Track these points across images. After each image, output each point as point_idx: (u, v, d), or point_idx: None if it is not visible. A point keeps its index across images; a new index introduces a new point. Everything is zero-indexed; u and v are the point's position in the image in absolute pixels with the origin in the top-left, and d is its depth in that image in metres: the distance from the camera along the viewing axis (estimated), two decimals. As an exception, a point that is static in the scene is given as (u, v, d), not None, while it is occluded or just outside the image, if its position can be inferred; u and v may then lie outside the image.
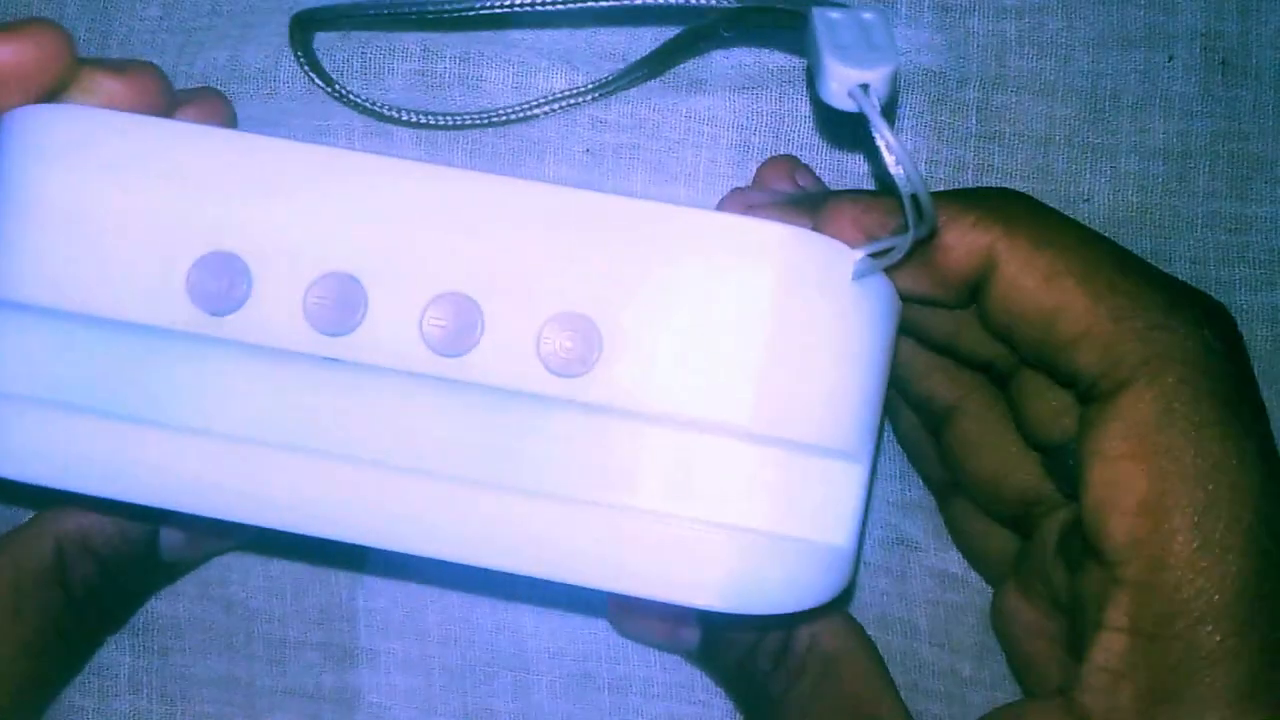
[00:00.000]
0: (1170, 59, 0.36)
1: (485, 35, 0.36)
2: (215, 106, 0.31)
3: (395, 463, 0.25)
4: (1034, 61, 0.35)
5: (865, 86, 0.24)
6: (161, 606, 0.36)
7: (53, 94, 0.27)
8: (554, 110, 0.35)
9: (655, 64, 0.35)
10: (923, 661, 0.35)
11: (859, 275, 0.25)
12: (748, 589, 0.25)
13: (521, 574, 0.25)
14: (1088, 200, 0.35)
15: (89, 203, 0.25)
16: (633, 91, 0.35)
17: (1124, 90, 0.35)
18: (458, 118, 0.35)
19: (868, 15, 0.25)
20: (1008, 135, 0.35)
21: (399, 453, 0.25)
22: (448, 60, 0.36)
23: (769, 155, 0.35)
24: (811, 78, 0.25)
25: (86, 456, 0.25)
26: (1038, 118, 0.35)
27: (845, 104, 0.24)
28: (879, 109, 0.24)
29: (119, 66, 0.28)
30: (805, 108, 0.35)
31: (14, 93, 0.26)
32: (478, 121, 0.35)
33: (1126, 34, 0.35)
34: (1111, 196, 0.35)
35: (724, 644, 0.32)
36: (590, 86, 0.35)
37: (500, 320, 0.25)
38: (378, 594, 0.36)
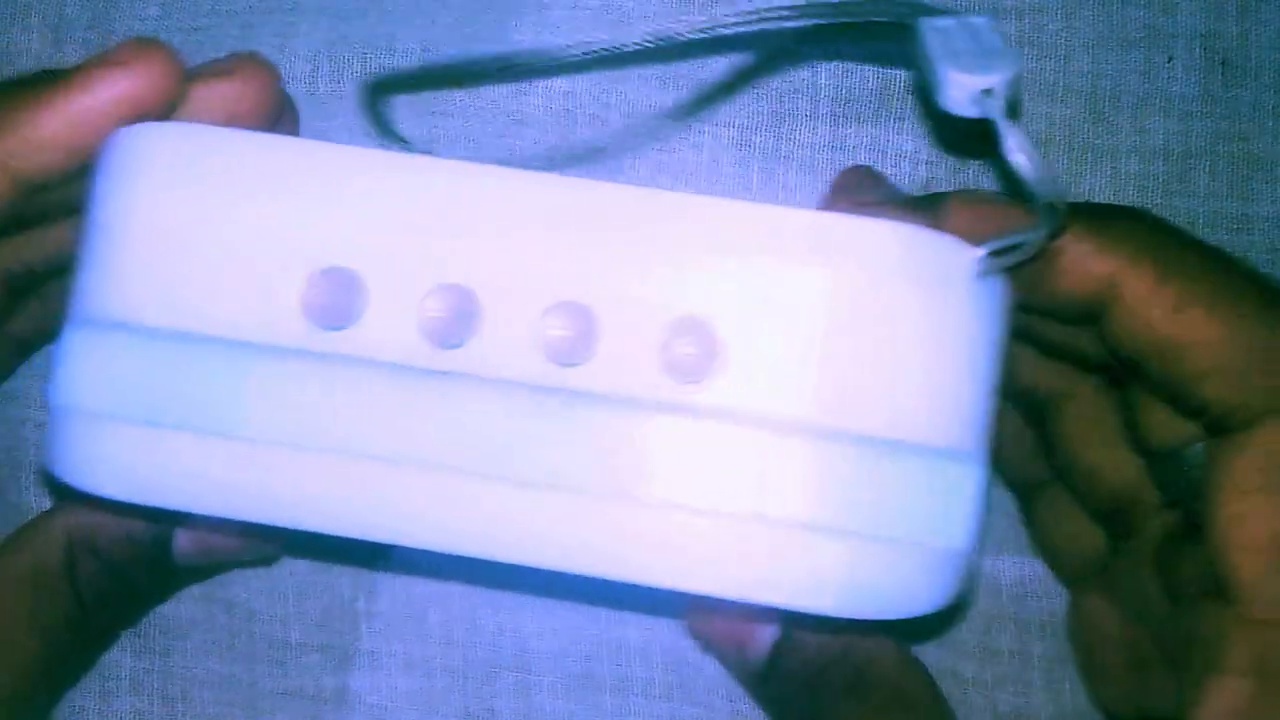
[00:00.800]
0: (1170, 60, 0.36)
1: (485, 35, 0.36)
2: (262, 79, 0.30)
3: (515, 476, 0.25)
4: (1034, 62, 0.36)
5: (989, 91, 0.24)
6: (164, 607, 0.36)
7: (164, 115, 0.27)
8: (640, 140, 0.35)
9: (734, 85, 0.35)
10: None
11: (980, 273, 0.25)
12: (867, 593, 0.25)
13: (641, 584, 0.25)
14: (1089, 200, 0.35)
15: (197, 221, 0.25)
16: (633, 92, 0.36)
17: (1124, 91, 0.36)
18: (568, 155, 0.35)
19: (976, 20, 0.25)
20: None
21: (519, 467, 0.25)
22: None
23: (771, 155, 0.35)
24: (923, 89, 0.25)
25: (198, 476, 0.25)
26: (1037, 118, 0.36)
27: (970, 111, 0.24)
28: (1004, 112, 0.24)
29: (226, 70, 0.28)
30: (806, 107, 0.35)
31: (119, 120, 0.26)
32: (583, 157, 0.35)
33: (1126, 35, 0.36)
34: (1112, 196, 0.35)
35: (796, 663, 0.31)
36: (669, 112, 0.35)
37: (618, 328, 0.25)
38: (380, 595, 0.36)
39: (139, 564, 0.32)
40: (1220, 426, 0.25)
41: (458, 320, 0.25)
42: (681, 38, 0.27)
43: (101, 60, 0.27)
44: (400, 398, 0.25)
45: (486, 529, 0.25)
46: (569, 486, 0.24)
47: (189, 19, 0.36)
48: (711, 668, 0.35)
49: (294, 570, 0.36)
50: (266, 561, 0.36)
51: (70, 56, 0.36)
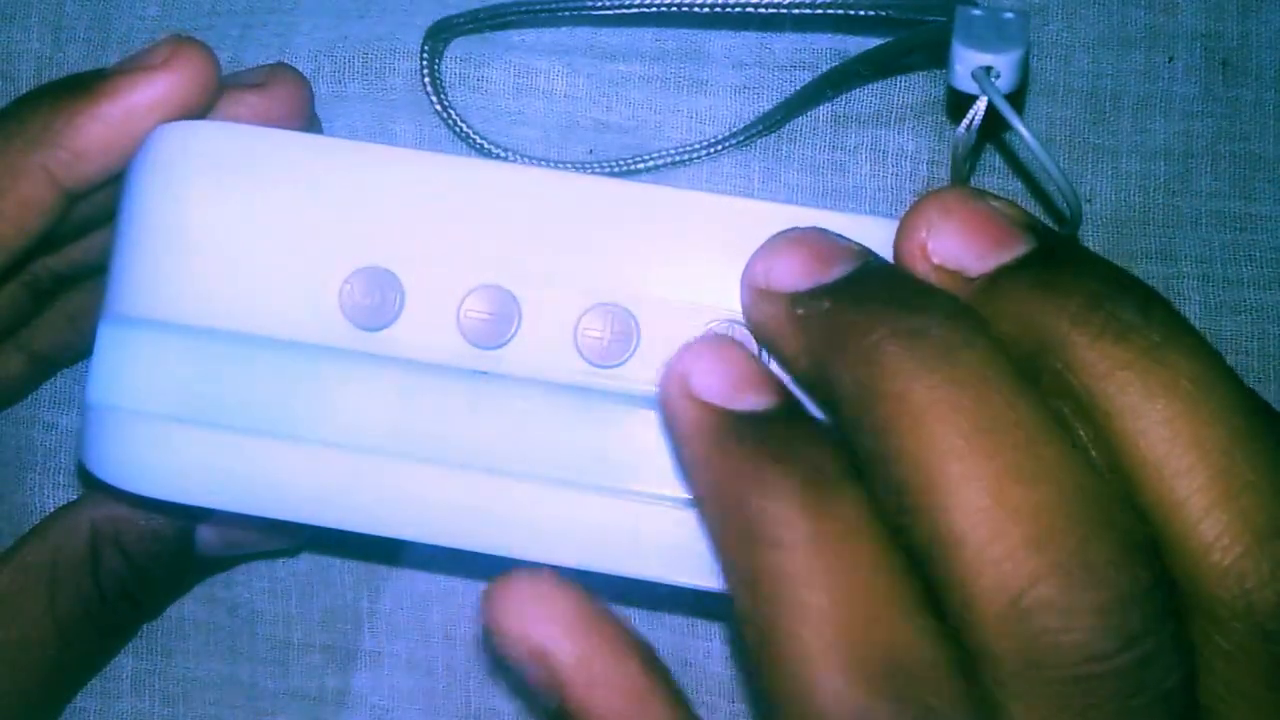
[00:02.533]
0: (1170, 60, 0.36)
1: (485, 35, 0.36)
2: (294, 93, 0.30)
3: (556, 477, 0.25)
4: (1034, 62, 0.35)
5: (989, 69, 0.24)
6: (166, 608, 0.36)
7: (196, 116, 0.27)
8: (702, 157, 0.35)
9: (799, 105, 0.35)
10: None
11: None
12: None
13: (686, 586, 0.25)
14: (1090, 201, 0.35)
15: (235, 219, 0.25)
16: (633, 93, 0.35)
17: (1124, 91, 0.36)
18: (600, 165, 0.35)
19: (1007, 14, 0.26)
20: (1009, 136, 0.35)
21: (560, 468, 0.25)
22: (448, 60, 0.36)
23: (772, 154, 0.35)
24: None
25: (236, 475, 0.25)
26: (1038, 118, 0.36)
27: (969, 86, 0.25)
28: (1001, 92, 0.24)
29: (261, 82, 0.28)
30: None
31: (158, 122, 0.26)
32: (608, 169, 0.35)
33: (1127, 35, 0.36)
34: (1114, 196, 0.35)
35: None
36: (730, 133, 0.35)
37: (659, 331, 0.25)
38: (383, 594, 0.36)
39: (162, 558, 0.32)
40: None
41: (498, 321, 0.25)
42: (734, 9, 0.29)
43: (140, 61, 0.27)
44: (440, 398, 0.25)
45: (526, 530, 0.25)
46: (610, 488, 0.25)
47: (189, 19, 0.36)
48: (714, 667, 0.35)
49: (296, 570, 0.36)
50: (290, 552, 0.36)
51: (70, 56, 0.36)
